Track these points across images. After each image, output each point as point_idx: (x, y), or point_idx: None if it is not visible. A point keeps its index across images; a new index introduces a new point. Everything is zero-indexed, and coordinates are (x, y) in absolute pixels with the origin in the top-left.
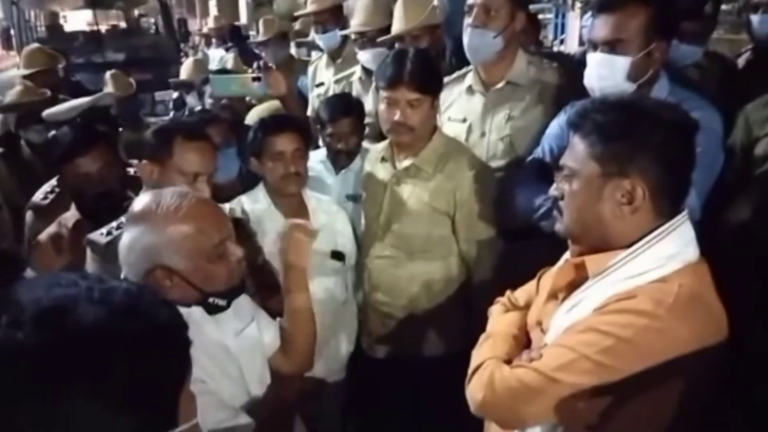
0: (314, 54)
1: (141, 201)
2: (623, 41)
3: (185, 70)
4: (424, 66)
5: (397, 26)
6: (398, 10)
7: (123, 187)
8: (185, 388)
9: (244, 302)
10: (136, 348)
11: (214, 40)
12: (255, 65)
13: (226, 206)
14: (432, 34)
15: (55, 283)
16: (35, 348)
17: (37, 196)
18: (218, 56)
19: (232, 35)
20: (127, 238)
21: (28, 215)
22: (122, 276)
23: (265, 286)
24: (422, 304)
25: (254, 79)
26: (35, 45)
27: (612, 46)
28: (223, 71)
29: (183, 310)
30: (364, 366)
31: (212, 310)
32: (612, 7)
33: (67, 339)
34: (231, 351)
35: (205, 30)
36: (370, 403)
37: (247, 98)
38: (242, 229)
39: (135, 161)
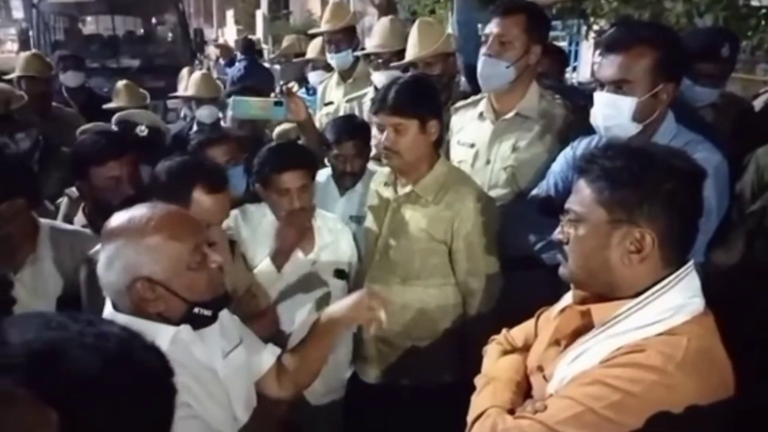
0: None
1: (114, 219)
2: (629, 82)
3: (194, 85)
4: (410, 91)
5: (411, 52)
6: (413, 37)
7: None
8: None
9: (231, 323)
10: (127, 396)
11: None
12: (278, 89)
13: (224, 225)
14: (445, 62)
15: (45, 324)
16: (27, 395)
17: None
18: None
19: (244, 48)
20: (104, 256)
21: (64, 203)
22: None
23: (247, 308)
24: (416, 332)
25: (276, 103)
26: (32, 51)
27: (618, 86)
28: (243, 92)
29: (170, 329)
30: (356, 390)
31: (198, 323)
32: (619, 47)
33: (59, 387)
34: (218, 374)
35: (221, 41)
36: (359, 427)
37: None
38: (237, 251)
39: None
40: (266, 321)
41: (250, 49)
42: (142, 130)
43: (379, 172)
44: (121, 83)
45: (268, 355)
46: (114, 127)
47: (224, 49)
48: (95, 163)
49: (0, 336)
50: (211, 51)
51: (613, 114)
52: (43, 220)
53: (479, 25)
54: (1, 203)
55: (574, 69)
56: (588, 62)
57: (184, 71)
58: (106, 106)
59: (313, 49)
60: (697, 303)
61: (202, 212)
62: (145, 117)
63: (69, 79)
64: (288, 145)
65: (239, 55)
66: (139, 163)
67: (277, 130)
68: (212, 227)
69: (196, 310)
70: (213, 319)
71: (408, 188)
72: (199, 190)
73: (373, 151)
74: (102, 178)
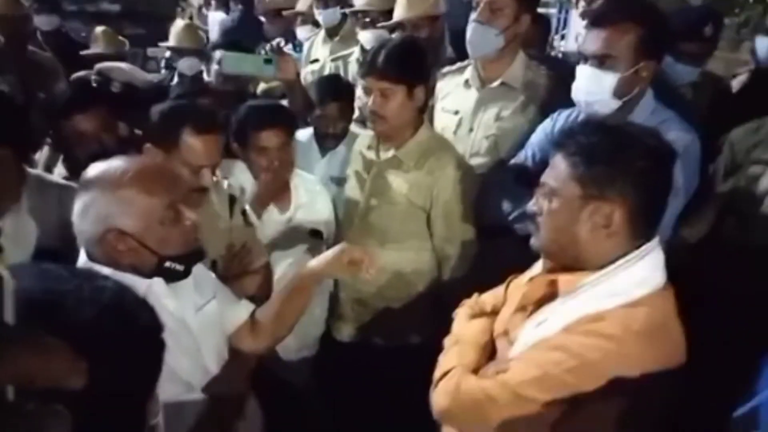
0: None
1: (91, 169)
2: (612, 57)
3: (175, 35)
4: (400, 56)
5: (399, 13)
6: None
7: (122, 153)
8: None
9: (206, 277)
10: (120, 347)
11: (213, 2)
12: (268, 47)
13: (225, 182)
14: (432, 25)
15: (44, 275)
16: (63, 345)
17: None
18: (218, 19)
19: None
20: (79, 204)
21: (44, 151)
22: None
23: (241, 264)
24: (391, 293)
25: (266, 61)
26: None
27: (601, 60)
28: (236, 46)
29: (143, 282)
30: (328, 347)
31: (170, 276)
32: (604, 22)
33: (58, 335)
34: (189, 326)
35: None
36: (331, 384)
37: None
38: (237, 207)
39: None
40: (259, 278)
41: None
42: (116, 87)
43: (363, 135)
44: (99, 29)
45: (242, 309)
46: (93, 77)
47: None
48: (62, 115)
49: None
50: None
51: (594, 89)
52: (31, 171)
53: None
54: None
55: (563, 37)
56: (577, 30)
57: (179, 22)
58: (83, 52)
59: (303, 3)
60: (659, 277)
61: (191, 154)
62: (122, 73)
63: (43, 22)
64: (266, 103)
65: (232, 5)
66: (112, 117)
67: (262, 87)
68: (203, 170)
69: (167, 264)
70: (185, 273)
71: (390, 153)
72: (188, 131)
73: (356, 114)
74: (69, 131)
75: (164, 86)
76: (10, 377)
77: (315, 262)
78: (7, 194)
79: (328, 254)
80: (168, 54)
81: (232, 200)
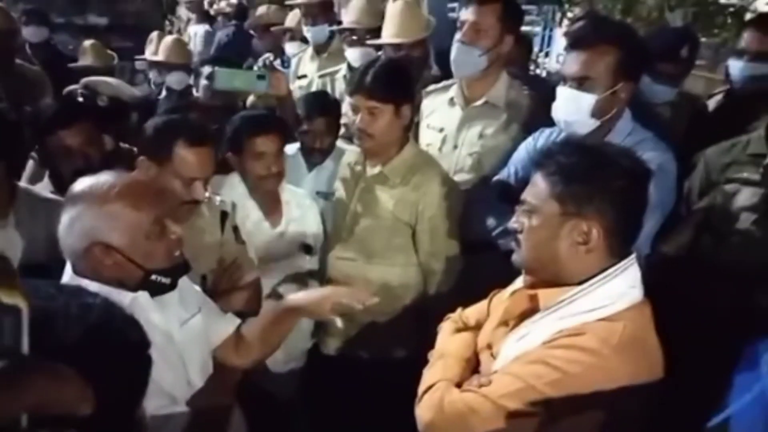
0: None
1: (80, 183)
2: (591, 79)
3: (165, 49)
4: (388, 76)
5: (391, 34)
6: (396, 18)
7: (108, 168)
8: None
9: (191, 291)
10: (108, 364)
11: (194, 16)
12: (260, 62)
13: (217, 198)
14: (419, 45)
15: (33, 292)
16: (73, 372)
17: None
18: (200, 33)
19: (236, 14)
20: (65, 218)
21: (30, 166)
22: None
23: (230, 280)
24: (377, 308)
25: (258, 76)
26: None
27: (580, 82)
28: (226, 62)
29: (128, 296)
30: (315, 360)
31: (156, 289)
32: (583, 44)
33: (46, 353)
34: (174, 339)
35: None
36: (317, 397)
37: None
38: (228, 223)
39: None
40: (248, 294)
41: (242, 15)
42: (102, 100)
43: (350, 151)
44: (88, 42)
45: (227, 324)
46: (80, 91)
47: (198, 5)
48: (47, 130)
49: None
50: (183, 12)
51: (573, 110)
52: (20, 185)
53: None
54: None
55: (547, 54)
56: (561, 48)
57: (154, 34)
58: (72, 65)
59: (292, 19)
60: (636, 292)
61: (184, 166)
62: (106, 86)
63: (32, 34)
64: (260, 112)
65: (220, 21)
66: (97, 132)
67: (251, 100)
68: (195, 183)
69: (153, 277)
70: (171, 287)
71: (377, 169)
72: (180, 143)
73: (342, 130)
74: (53, 146)
75: (151, 100)
76: (27, 406)
77: (301, 298)
78: None
79: (314, 295)
80: (144, 67)
81: (224, 216)
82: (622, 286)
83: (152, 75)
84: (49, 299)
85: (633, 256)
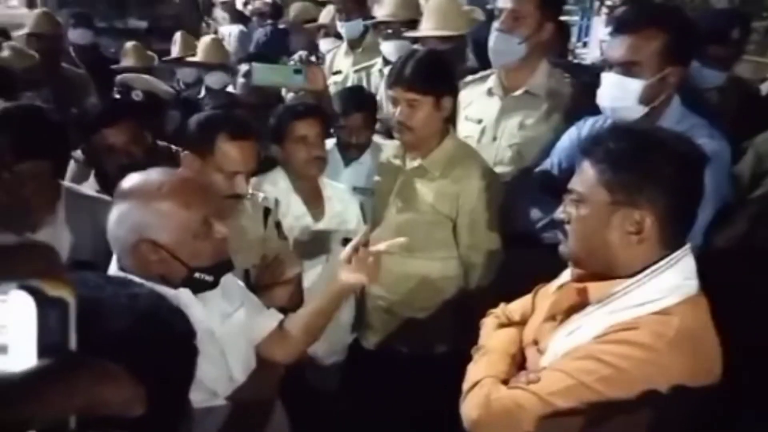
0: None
1: (129, 179)
2: (638, 64)
3: (203, 50)
4: (428, 68)
5: (441, 27)
6: (441, 11)
7: (149, 165)
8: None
9: (234, 286)
10: (156, 353)
11: (228, 15)
12: (297, 57)
13: (260, 195)
14: (463, 37)
15: (83, 283)
16: (125, 372)
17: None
18: (235, 33)
19: (273, 13)
20: (115, 213)
21: (71, 166)
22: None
23: (273, 275)
24: (418, 302)
25: (295, 71)
26: (41, 9)
27: (627, 67)
28: (263, 59)
29: (171, 292)
30: (356, 355)
31: (199, 287)
32: (629, 28)
33: (96, 342)
34: (215, 335)
35: None
36: (358, 392)
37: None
38: (271, 219)
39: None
40: (290, 289)
41: (278, 14)
42: (137, 95)
43: (389, 145)
44: (129, 44)
45: (270, 319)
46: (116, 89)
47: (230, 6)
48: (91, 130)
49: None
50: (218, 14)
51: (620, 96)
52: (64, 184)
53: None
54: (24, 162)
55: (585, 44)
56: (599, 37)
57: (177, 35)
58: (114, 66)
59: (326, 15)
60: (691, 285)
61: (226, 160)
62: (141, 81)
63: (78, 36)
64: (301, 101)
65: (255, 21)
66: (140, 130)
67: (289, 96)
68: (237, 176)
69: (197, 275)
70: (214, 284)
71: (417, 162)
72: (222, 137)
73: (378, 125)
74: (98, 145)
75: (192, 99)
76: (76, 406)
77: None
78: (44, 206)
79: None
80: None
81: (267, 212)
82: (676, 278)
83: (180, 74)
84: (98, 289)
85: (688, 246)
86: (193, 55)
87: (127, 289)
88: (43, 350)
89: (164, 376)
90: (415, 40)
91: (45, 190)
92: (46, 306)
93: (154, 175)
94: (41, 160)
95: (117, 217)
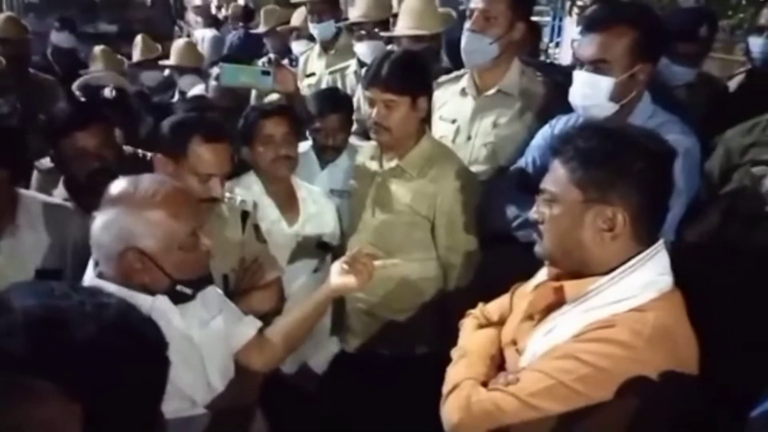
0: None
1: (118, 184)
2: (608, 62)
3: (176, 53)
4: (404, 68)
5: (417, 27)
6: (417, 11)
7: (120, 169)
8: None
9: (212, 293)
10: (123, 363)
11: (201, 19)
12: (266, 59)
13: (237, 198)
14: (438, 37)
15: (47, 292)
16: (25, 358)
17: (47, 159)
18: (208, 37)
19: (244, 16)
20: (102, 219)
21: (35, 176)
22: (93, 257)
23: (252, 278)
24: (397, 303)
25: (263, 72)
26: (6, 13)
27: (597, 65)
28: (233, 60)
29: (147, 299)
30: (337, 359)
31: (178, 298)
32: (599, 26)
33: (57, 352)
34: (194, 341)
35: (198, 2)
36: (339, 395)
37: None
38: (249, 222)
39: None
40: (270, 293)
41: (249, 17)
42: (111, 92)
43: (365, 146)
44: (98, 48)
45: (249, 326)
46: (77, 93)
47: (201, 10)
48: (61, 134)
49: (4, 300)
50: (191, 18)
51: (591, 93)
52: (23, 191)
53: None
54: None
55: (557, 44)
56: (571, 38)
57: (138, 38)
58: (83, 71)
59: (297, 18)
60: (666, 280)
61: (200, 163)
62: (111, 77)
63: (61, 39)
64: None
65: (230, 23)
66: (111, 133)
67: (257, 98)
68: (212, 179)
69: (178, 287)
70: (192, 297)
71: (393, 162)
72: (197, 140)
73: (354, 126)
74: (69, 149)
75: (165, 104)
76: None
77: (329, 281)
78: (3, 215)
79: (334, 268)
80: (166, 73)
81: (245, 215)
82: (651, 274)
83: (144, 78)
84: (63, 298)
85: (661, 242)
86: (158, 58)
87: (95, 298)
88: None
89: (133, 387)
90: (389, 40)
91: (3, 198)
92: None
93: (145, 182)
94: (1, 168)
95: (103, 223)
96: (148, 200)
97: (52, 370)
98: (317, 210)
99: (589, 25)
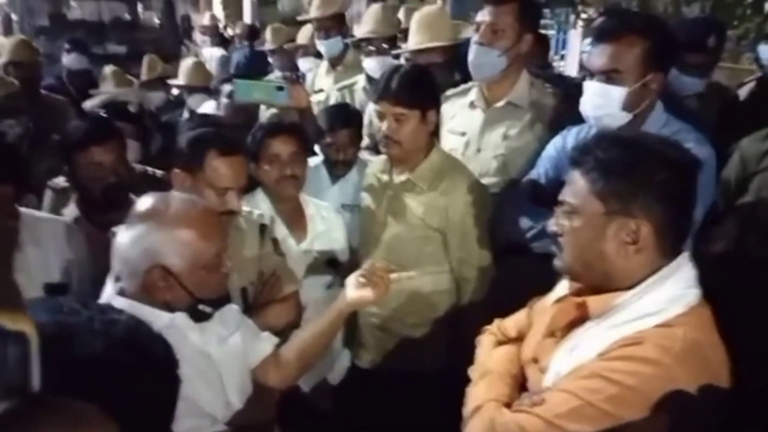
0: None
1: (147, 201)
2: (619, 71)
3: (185, 72)
4: (414, 82)
5: (430, 40)
6: (429, 25)
7: (132, 186)
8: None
9: (230, 310)
10: (131, 379)
11: (208, 39)
12: (281, 75)
13: (255, 212)
14: (449, 51)
15: (57, 308)
16: (98, 412)
17: (60, 179)
18: (216, 56)
19: (249, 35)
20: (129, 235)
21: (48, 195)
22: (115, 272)
23: (270, 292)
24: (410, 318)
25: (278, 88)
26: (19, 36)
27: (608, 75)
28: (246, 76)
29: (166, 316)
30: (351, 374)
31: (198, 317)
32: (609, 37)
33: (68, 369)
34: (212, 359)
35: (206, 22)
36: (353, 410)
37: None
38: (268, 235)
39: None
40: (288, 306)
41: (254, 36)
42: (133, 106)
43: (376, 160)
44: (108, 68)
45: (266, 343)
46: (101, 112)
47: (209, 30)
48: (78, 148)
49: None
50: (198, 37)
51: (602, 103)
52: (22, 210)
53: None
54: None
55: (562, 57)
56: (576, 52)
57: (145, 58)
58: (93, 91)
59: (303, 35)
60: (693, 294)
61: (217, 176)
62: (133, 95)
63: (73, 61)
64: (280, 120)
65: (237, 42)
66: (125, 149)
67: (269, 114)
68: (229, 192)
69: (200, 306)
70: (211, 316)
71: (404, 176)
72: (212, 154)
73: (365, 141)
74: (85, 164)
75: (173, 122)
76: None
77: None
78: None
79: (350, 281)
80: (175, 92)
81: (263, 228)
82: (677, 288)
83: (147, 99)
84: (72, 314)
85: (686, 254)
86: (163, 77)
87: (104, 315)
88: (1, 392)
89: (141, 404)
90: (397, 56)
91: (7, 214)
92: (5, 342)
93: (176, 201)
94: (4, 185)
95: (131, 239)
96: (180, 219)
97: (57, 385)
98: (326, 227)
99: (599, 36)
